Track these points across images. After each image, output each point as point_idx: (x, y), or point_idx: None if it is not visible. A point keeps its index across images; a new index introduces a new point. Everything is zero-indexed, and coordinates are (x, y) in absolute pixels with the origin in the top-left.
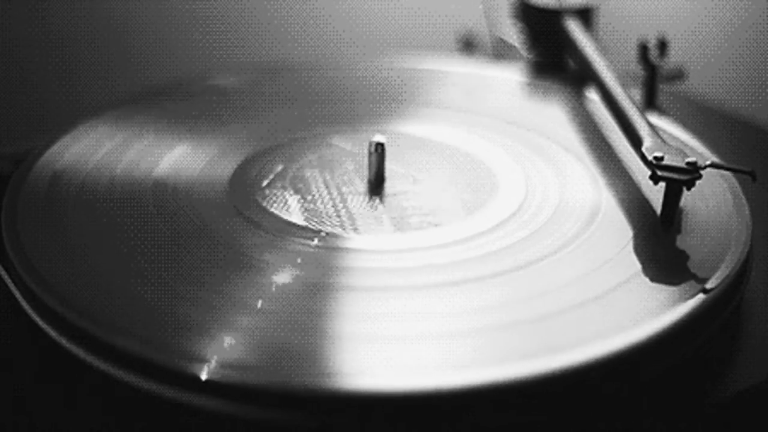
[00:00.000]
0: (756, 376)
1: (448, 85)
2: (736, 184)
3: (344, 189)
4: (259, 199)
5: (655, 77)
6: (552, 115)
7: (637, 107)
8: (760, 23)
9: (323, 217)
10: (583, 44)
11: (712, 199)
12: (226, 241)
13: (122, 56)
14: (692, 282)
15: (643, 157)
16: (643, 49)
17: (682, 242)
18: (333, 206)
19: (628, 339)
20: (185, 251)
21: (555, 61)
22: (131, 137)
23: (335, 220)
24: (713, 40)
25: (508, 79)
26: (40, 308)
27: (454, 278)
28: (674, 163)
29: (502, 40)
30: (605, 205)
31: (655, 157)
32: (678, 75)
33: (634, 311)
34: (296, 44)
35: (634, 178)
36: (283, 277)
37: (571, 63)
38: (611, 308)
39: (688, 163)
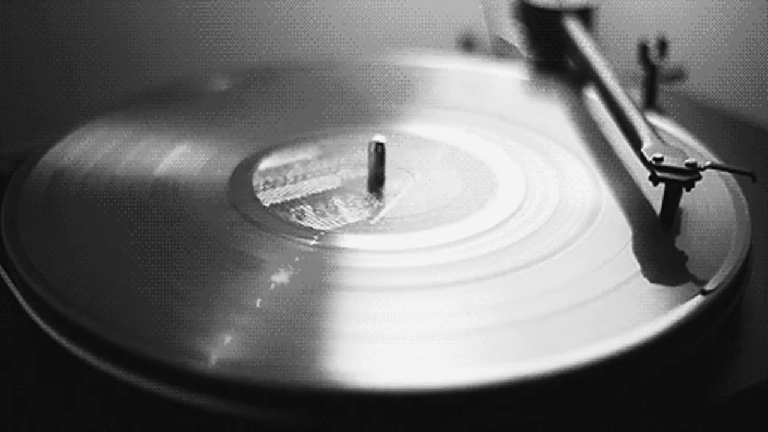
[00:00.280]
0: (756, 376)
1: (448, 85)
2: (736, 185)
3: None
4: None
5: (655, 77)
6: (552, 114)
7: (637, 107)
8: (760, 23)
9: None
10: (582, 44)
11: (712, 199)
12: (226, 241)
13: (122, 56)
14: (692, 282)
15: (642, 158)
16: (643, 49)
17: (682, 242)
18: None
19: (628, 339)
20: (185, 251)
21: (555, 60)
22: (131, 137)
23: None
24: (713, 40)
25: (509, 78)
26: (41, 308)
27: (454, 278)
28: (674, 164)
29: (502, 39)
30: (605, 205)
31: (655, 158)
32: (678, 75)
33: (634, 311)
34: (296, 44)
35: (634, 178)
36: (282, 277)
37: (571, 63)
38: (611, 308)
39: (687, 164)
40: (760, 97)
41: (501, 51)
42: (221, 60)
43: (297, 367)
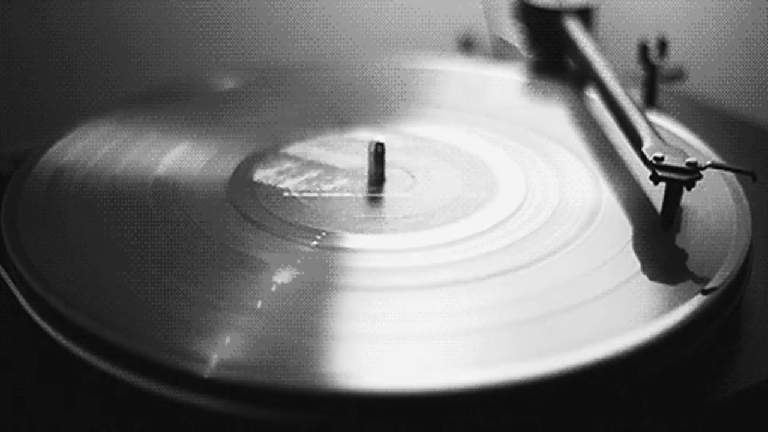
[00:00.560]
0: (756, 376)
1: (448, 85)
2: (737, 184)
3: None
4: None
5: (655, 77)
6: (552, 114)
7: (637, 107)
8: (760, 23)
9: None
10: (583, 44)
11: (712, 199)
12: (226, 241)
13: (122, 56)
14: (692, 282)
15: (643, 158)
16: (643, 49)
17: (682, 242)
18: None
19: (628, 339)
20: (185, 251)
21: (555, 61)
22: (131, 137)
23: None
24: (713, 40)
25: (509, 78)
26: (41, 308)
27: (454, 278)
28: (674, 163)
29: (502, 40)
30: (605, 205)
31: (656, 158)
32: (678, 75)
33: (634, 311)
34: (296, 44)
35: (634, 177)
36: (282, 277)
37: (571, 63)
38: (611, 308)
39: (688, 163)
40: (760, 97)
41: (501, 51)
42: (221, 60)
43: (297, 368)
